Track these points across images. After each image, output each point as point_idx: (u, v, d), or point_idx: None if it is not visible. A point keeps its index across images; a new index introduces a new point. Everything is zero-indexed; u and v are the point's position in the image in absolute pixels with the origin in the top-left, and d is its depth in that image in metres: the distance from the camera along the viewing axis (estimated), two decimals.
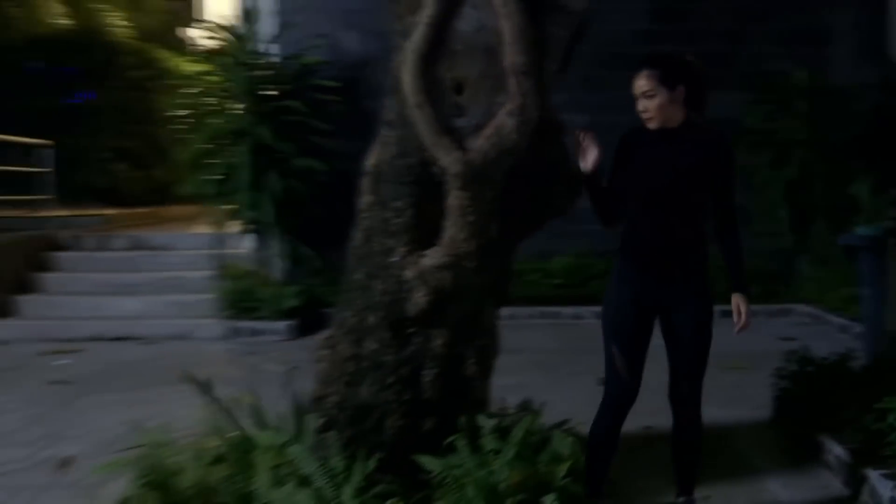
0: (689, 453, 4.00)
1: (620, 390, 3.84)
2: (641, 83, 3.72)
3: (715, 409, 5.83)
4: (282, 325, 8.83)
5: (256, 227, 9.09)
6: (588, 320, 9.17)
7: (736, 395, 6.24)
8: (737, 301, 3.86)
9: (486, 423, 3.93)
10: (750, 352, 7.08)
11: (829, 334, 8.43)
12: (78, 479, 4.76)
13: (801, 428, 5.07)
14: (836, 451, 4.60)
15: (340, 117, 9.34)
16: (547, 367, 7.33)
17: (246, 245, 9.59)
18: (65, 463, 5.02)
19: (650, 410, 5.73)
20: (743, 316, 3.84)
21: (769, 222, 9.97)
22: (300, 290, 8.93)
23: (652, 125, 3.74)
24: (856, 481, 4.31)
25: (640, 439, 5.28)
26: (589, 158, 3.86)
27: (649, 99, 3.69)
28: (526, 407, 4.55)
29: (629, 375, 3.82)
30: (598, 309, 8.89)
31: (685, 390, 3.88)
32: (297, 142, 8.88)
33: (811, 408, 5.03)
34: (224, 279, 9.13)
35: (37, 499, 4.52)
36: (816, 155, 9.80)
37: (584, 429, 4.04)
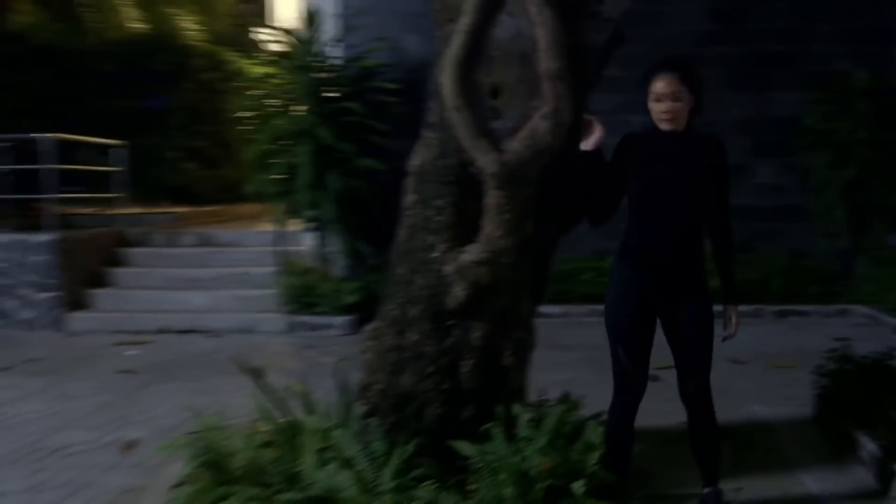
0: (706, 446, 4.11)
1: (628, 387, 3.98)
2: (672, 85, 3.83)
3: (760, 407, 5.98)
4: (340, 320, 9.09)
5: (317, 225, 9.36)
6: None
7: (782, 394, 6.33)
8: (730, 311, 4.01)
9: (521, 412, 4.12)
10: (803, 351, 7.15)
11: (883, 335, 8.43)
12: (141, 461, 5.06)
13: (840, 425, 5.16)
14: (869, 447, 4.68)
15: (400, 118, 9.55)
16: (597, 364, 7.39)
17: (307, 242, 9.87)
18: (129, 445, 5.32)
19: None
20: (734, 326, 3.97)
21: (827, 223, 9.97)
22: (359, 286, 9.18)
23: (670, 126, 3.85)
24: (886, 476, 4.40)
25: (677, 434, 5.41)
26: (591, 139, 3.98)
27: (677, 101, 3.82)
28: (565, 399, 4.71)
29: (636, 373, 3.95)
30: None
31: (693, 387, 4.00)
32: (357, 142, 9.11)
33: (849, 405, 5.12)
34: (286, 275, 9.42)
35: (102, 477, 4.81)
36: (875, 155, 9.77)
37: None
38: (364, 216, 9.27)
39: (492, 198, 3.94)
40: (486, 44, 3.94)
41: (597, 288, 9.42)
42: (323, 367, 7.35)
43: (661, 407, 5.97)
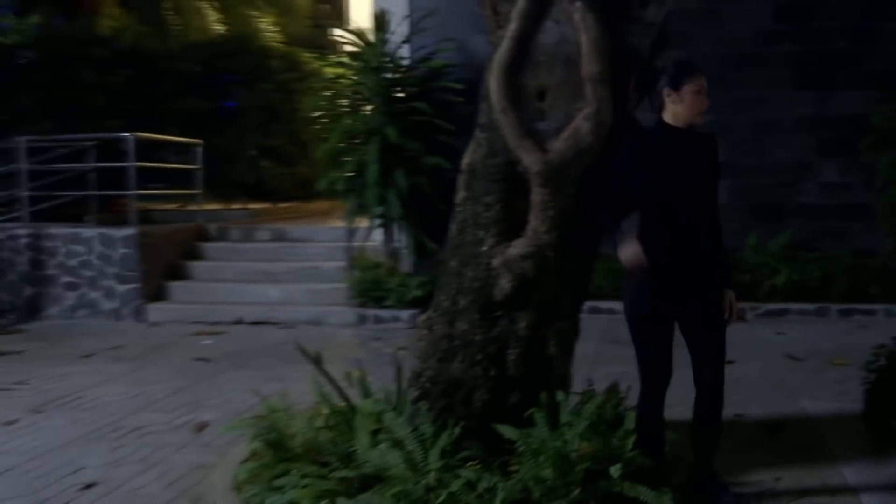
0: (712, 434, 4.21)
1: (652, 379, 4.12)
2: (703, 81, 4.00)
3: (811, 402, 6.09)
4: (407, 313, 9.37)
5: (385, 222, 9.65)
6: None
7: (835, 390, 6.42)
8: (728, 297, 4.13)
9: (564, 399, 4.33)
10: (863, 350, 7.18)
11: None
12: (211, 441, 5.39)
13: (885, 420, 5.25)
14: None
15: (466, 117, 9.77)
16: None
17: (376, 238, 10.17)
18: (200, 427, 5.66)
19: (744, 400, 6.05)
20: (734, 311, 4.10)
21: (891, 221, 9.93)
22: (424, 281, 9.44)
23: (700, 120, 4.00)
24: None
25: (731, 425, 5.56)
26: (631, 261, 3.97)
27: (706, 97, 3.99)
28: (612, 390, 4.91)
29: (659, 365, 4.11)
30: None
31: (709, 377, 4.11)
32: (424, 141, 9.37)
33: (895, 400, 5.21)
34: (355, 270, 9.73)
35: (175, 455, 5.15)
36: None
37: (669, 413, 4.29)
38: (430, 213, 9.51)
39: (537, 195, 4.17)
40: (531, 49, 4.16)
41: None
42: (386, 357, 7.63)
43: None
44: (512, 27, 4.13)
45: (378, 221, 9.64)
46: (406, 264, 10.07)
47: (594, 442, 4.19)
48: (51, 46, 12.93)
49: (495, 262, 4.33)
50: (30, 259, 10.42)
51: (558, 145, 4.08)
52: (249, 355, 8.01)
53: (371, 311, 9.52)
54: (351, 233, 9.76)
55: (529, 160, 4.10)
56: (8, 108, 12.66)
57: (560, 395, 4.34)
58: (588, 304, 8.69)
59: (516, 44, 4.14)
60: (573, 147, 4.06)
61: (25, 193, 10.64)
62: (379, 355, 7.77)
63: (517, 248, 4.27)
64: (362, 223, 9.90)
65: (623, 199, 4.04)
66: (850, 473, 4.71)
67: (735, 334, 8.32)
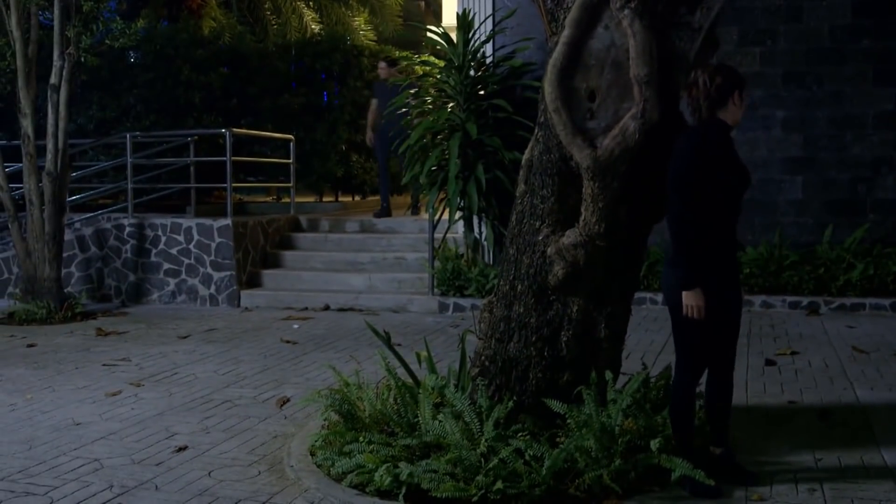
0: (725, 408, 4.47)
1: (697, 370, 4.40)
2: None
3: (865, 392, 6.27)
4: (484, 301, 9.71)
5: (466, 214, 10.02)
6: (779, 309, 9.55)
7: (892, 381, 6.58)
8: None
9: (611, 378, 4.67)
10: None
11: None
12: (292, 413, 5.85)
13: None
14: None
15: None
16: None
17: (457, 230, 10.55)
18: (282, 401, 6.13)
19: (800, 389, 6.26)
20: None
21: None
22: None
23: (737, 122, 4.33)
24: None
25: (783, 411, 5.81)
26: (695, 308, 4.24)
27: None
28: (664, 374, 5.21)
29: (707, 356, 4.40)
30: (792, 299, 9.27)
31: (729, 358, 4.43)
32: (503, 137, 9.71)
33: None
34: (438, 260, 10.15)
35: (258, 425, 5.62)
36: None
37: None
38: (509, 206, 9.84)
39: (587, 188, 4.50)
40: (583, 53, 4.49)
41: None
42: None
43: (771, 389, 6.37)
44: (565, 33, 4.46)
45: (459, 214, 10.01)
46: (486, 255, 10.44)
47: (638, 419, 4.53)
48: (155, 48, 13.66)
49: (550, 250, 4.68)
50: (133, 247, 11.10)
51: (607, 143, 4.40)
52: (333, 339, 8.47)
53: (451, 300, 9.92)
54: (433, 225, 10.15)
55: (580, 156, 4.43)
56: (116, 106, 13.45)
57: (608, 375, 4.67)
58: (660, 296, 9.04)
59: (569, 48, 4.47)
60: (621, 144, 4.37)
61: (130, 186, 11.31)
62: (455, 340, 8.15)
63: (570, 237, 4.61)
64: (444, 216, 10.28)
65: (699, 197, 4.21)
66: (891, 457, 4.89)
67: (805, 327, 8.57)
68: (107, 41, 10.48)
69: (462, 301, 9.87)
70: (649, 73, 4.34)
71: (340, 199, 15.39)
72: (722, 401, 4.51)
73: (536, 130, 4.86)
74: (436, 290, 10.12)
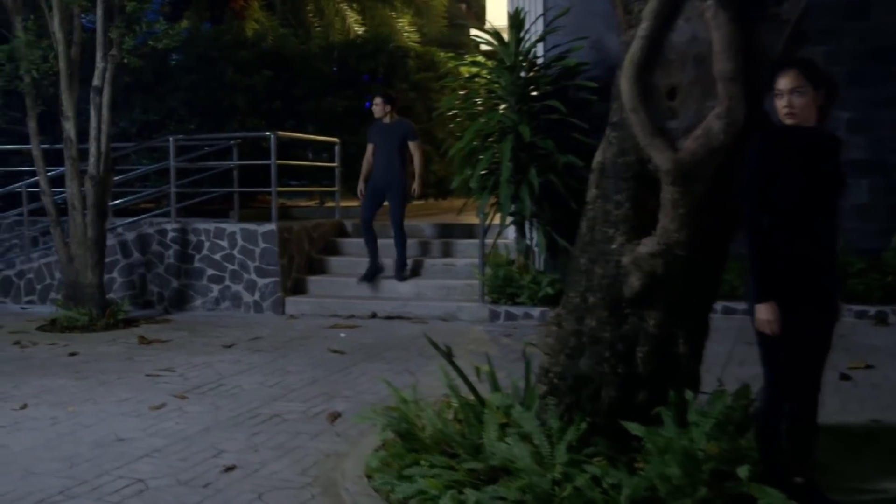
0: (808, 433, 4.09)
1: (786, 388, 4.01)
2: (791, 80, 3.86)
3: None
4: (537, 310, 9.40)
5: (517, 219, 9.70)
6: (845, 319, 9.10)
7: None
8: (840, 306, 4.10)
9: (692, 398, 4.32)
10: None
11: None
12: (344, 430, 5.56)
13: None
14: None
15: (600, 115, 9.74)
16: None
17: (508, 235, 10.24)
18: (334, 417, 5.84)
19: (882, 405, 5.89)
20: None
21: None
22: (555, 278, 9.46)
23: (791, 121, 3.87)
24: None
25: (866, 430, 5.45)
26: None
27: (798, 95, 3.84)
28: (742, 391, 4.85)
29: (795, 374, 4.02)
30: (859, 308, 8.88)
31: (813, 378, 4.02)
32: (557, 139, 9.39)
33: None
34: (488, 267, 9.83)
35: (310, 442, 5.33)
36: None
37: None
38: (562, 210, 9.53)
39: (667, 193, 4.17)
40: (663, 48, 4.16)
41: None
42: (517, 353, 7.70)
43: (850, 406, 6.01)
44: (643, 26, 4.14)
45: (511, 219, 9.70)
46: (538, 262, 10.12)
47: (721, 442, 4.18)
48: (198, 50, 13.47)
49: (625, 259, 4.35)
50: (176, 253, 10.89)
51: (689, 144, 4.07)
52: (382, 348, 8.18)
53: (503, 308, 9.58)
54: (484, 230, 9.84)
55: (660, 159, 4.11)
56: (159, 109, 13.26)
57: (688, 394, 4.33)
58: (721, 305, 8.69)
59: (648, 43, 4.14)
60: (704, 146, 4.04)
61: (173, 190, 11.11)
62: (509, 351, 7.85)
63: (647, 245, 4.28)
64: (495, 221, 9.98)
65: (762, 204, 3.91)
66: None
67: (875, 338, 8.16)
68: (150, 42, 10.28)
69: (514, 309, 9.54)
70: (734, 69, 4.00)
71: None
72: (805, 424, 4.14)
73: (609, 131, 4.53)
74: (486, 297, 9.80)
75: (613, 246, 4.41)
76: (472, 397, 4.92)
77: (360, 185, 10.77)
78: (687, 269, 4.29)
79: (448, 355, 4.98)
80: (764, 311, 3.86)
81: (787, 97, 3.85)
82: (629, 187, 4.35)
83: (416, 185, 10.57)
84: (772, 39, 4.19)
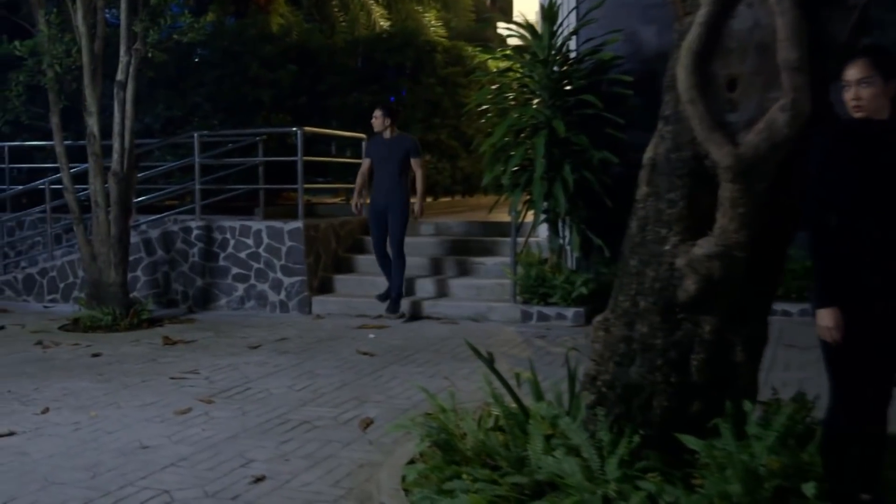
0: (877, 447, 3.79)
1: (852, 401, 3.71)
2: (858, 70, 3.57)
3: None
4: (571, 311, 9.13)
5: (550, 217, 9.43)
6: None
7: None
8: None
9: (751, 409, 4.05)
10: None
11: None
12: (377, 438, 5.31)
13: None
14: None
15: (636, 110, 9.48)
16: None
17: (540, 234, 9.97)
18: (365, 424, 5.60)
19: None
20: None
21: None
22: (589, 278, 9.19)
23: (859, 115, 3.57)
24: None
25: None
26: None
27: (865, 87, 3.55)
28: (798, 399, 4.58)
29: (863, 385, 3.72)
30: None
31: (883, 390, 3.71)
32: (591, 135, 9.12)
33: None
34: (519, 266, 9.55)
35: (342, 451, 5.09)
36: None
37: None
38: (596, 208, 9.26)
39: (726, 191, 3.90)
40: (723, 35, 3.90)
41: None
42: (553, 356, 7.46)
43: None
44: (702, 12, 3.87)
45: (543, 217, 9.42)
46: (570, 261, 9.85)
47: (783, 456, 3.91)
48: (222, 44, 13.25)
49: (679, 261, 4.08)
50: (201, 251, 10.69)
51: (751, 138, 3.80)
52: (412, 350, 7.94)
53: (535, 309, 9.30)
54: (515, 228, 9.57)
55: (719, 154, 3.84)
56: (183, 105, 13.05)
57: (747, 405, 4.06)
58: None
59: (706, 30, 3.87)
60: (767, 140, 3.77)
61: (198, 187, 10.90)
62: (544, 354, 7.59)
63: (703, 247, 4.01)
64: (526, 218, 9.71)
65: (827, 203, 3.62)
66: None
67: None
68: (175, 36, 10.07)
69: (546, 310, 9.26)
70: (800, 58, 3.72)
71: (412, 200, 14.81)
72: (873, 438, 3.86)
73: (661, 125, 4.25)
74: (518, 297, 9.52)
75: (666, 247, 4.14)
76: (513, 405, 4.67)
77: (355, 199, 9.95)
78: (746, 271, 4.03)
79: (489, 362, 4.72)
80: (825, 318, 3.58)
81: (855, 88, 3.57)
82: (684, 185, 4.08)
83: (417, 206, 9.78)
84: (838, 27, 3.92)
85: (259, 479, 4.64)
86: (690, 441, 3.92)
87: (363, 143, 10.11)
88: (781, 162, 3.85)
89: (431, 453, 4.47)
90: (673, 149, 4.11)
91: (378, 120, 9.64)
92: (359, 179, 9.97)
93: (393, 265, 9.63)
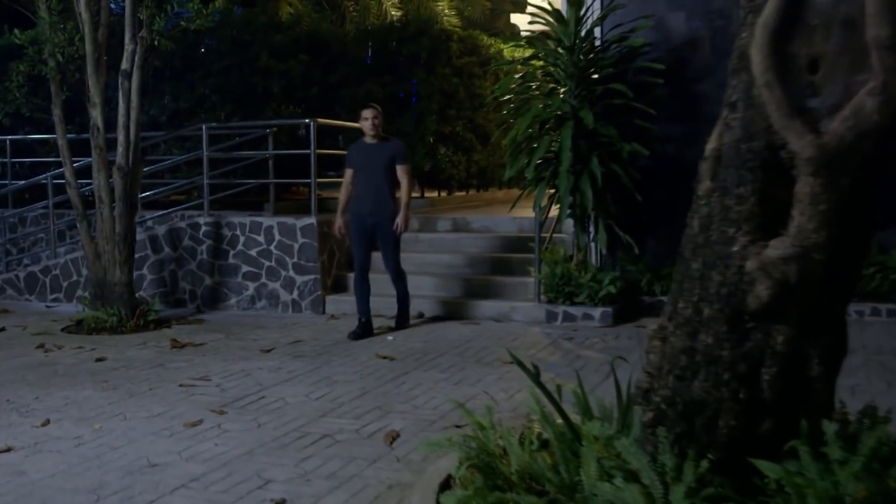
0: None
1: None
2: None
3: None
4: (598, 311, 8.69)
5: (576, 212, 8.99)
6: None
7: None
8: None
9: (831, 429, 3.62)
10: None
11: None
12: (405, 453, 4.89)
13: None
14: None
15: (664, 100, 9.05)
16: (887, 371, 6.71)
17: (565, 229, 9.54)
18: (391, 438, 5.17)
19: None
20: None
21: None
22: (616, 276, 8.76)
23: None
24: None
25: None
26: None
27: None
28: (868, 413, 4.15)
29: None
30: None
31: None
32: (620, 126, 8.69)
33: None
34: (543, 263, 9.11)
35: (367, 470, 4.66)
36: None
37: None
38: (625, 204, 8.84)
39: (805, 186, 3.46)
40: (803, 10, 3.46)
41: (882, 285, 8.59)
42: (584, 360, 7.03)
43: None
44: None
45: (569, 212, 8.97)
46: (596, 258, 9.41)
47: (869, 483, 3.48)
48: (231, 33, 12.81)
49: (749, 264, 3.64)
50: (210, 248, 10.28)
51: (835, 126, 3.36)
52: (435, 354, 7.51)
53: (560, 308, 8.86)
54: (539, 224, 9.12)
55: (798, 144, 3.40)
56: (190, 96, 12.61)
57: (827, 426, 3.62)
58: None
59: (784, 4, 3.44)
60: (854, 128, 3.33)
61: (206, 181, 10.48)
62: (574, 358, 7.16)
63: (777, 248, 3.57)
64: (550, 213, 9.27)
65: None
66: None
67: None
68: (182, 23, 9.64)
69: (572, 310, 8.82)
70: (892, 35, 3.29)
71: (426, 195, 14.39)
72: None
73: (727, 113, 3.80)
74: (542, 296, 9.09)
75: (735, 248, 3.69)
76: (559, 421, 4.24)
77: (338, 222, 8.74)
78: (825, 275, 3.59)
79: (535, 375, 4.28)
80: None
81: None
82: (755, 179, 3.63)
83: (400, 219, 8.52)
84: None
85: (279, 503, 4.22)
86: (768, 468, 3.48)
87: (348, 150, 8.98)
88: (868, 152, 3.42)
89: (469, 475, 4.04)
90: (743, 138, 3.66)
91: (369, 122, 8.43)
92: (342, 194, 8.71)
93: (395, 290, 8.84)
